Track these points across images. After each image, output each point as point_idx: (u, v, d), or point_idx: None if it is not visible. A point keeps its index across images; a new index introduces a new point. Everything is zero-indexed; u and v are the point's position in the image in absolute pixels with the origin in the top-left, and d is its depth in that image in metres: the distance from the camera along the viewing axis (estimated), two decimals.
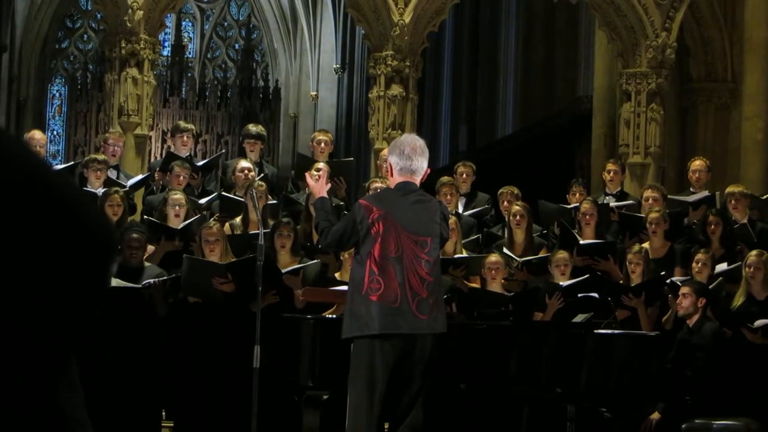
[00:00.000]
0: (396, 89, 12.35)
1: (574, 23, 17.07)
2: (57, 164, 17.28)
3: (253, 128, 10.35)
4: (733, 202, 9.28)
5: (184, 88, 27.73)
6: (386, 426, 6.08)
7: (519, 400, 7.88)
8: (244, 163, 9.56)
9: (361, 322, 5.81)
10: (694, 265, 8.28)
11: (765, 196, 10.00)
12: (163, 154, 17.78)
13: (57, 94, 28.54)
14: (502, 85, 19.69)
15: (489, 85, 20.30)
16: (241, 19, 30.02)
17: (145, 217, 9.03)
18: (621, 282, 8.37)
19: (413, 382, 5.86)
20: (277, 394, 7.54)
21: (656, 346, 7.78)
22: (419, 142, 6.06)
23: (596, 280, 8.46)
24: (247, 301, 7.56)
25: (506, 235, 9.16)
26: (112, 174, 9.65)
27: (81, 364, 1.99)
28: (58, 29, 28.78)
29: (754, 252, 8.16)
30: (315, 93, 27.93)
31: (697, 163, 10.08)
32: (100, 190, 9.00)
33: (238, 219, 8.78)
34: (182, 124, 10.81)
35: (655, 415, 7.52)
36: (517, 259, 8.75)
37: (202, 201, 9.35)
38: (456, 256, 8.46)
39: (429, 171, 6.15)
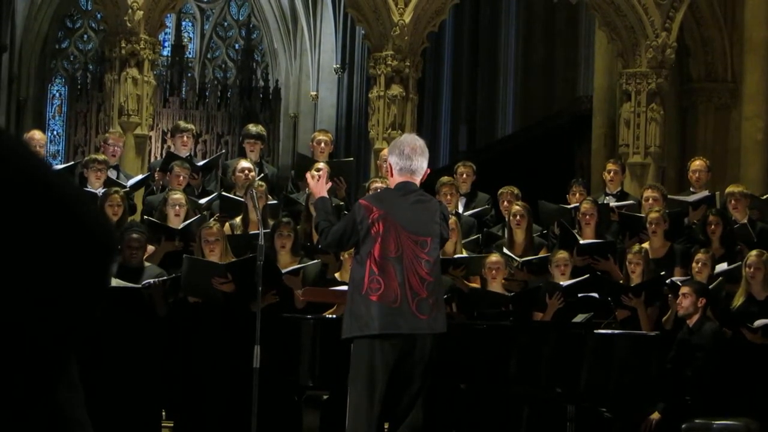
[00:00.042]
0: (396, 89, 12.35)
1: (574, 23, 17.07)
2: (57, 164, 17.28)
3: (253, 128, 10.35)
4: (733, 202, 9.29)
5: (184, 88, 27.73)
6: (386, 426, 6.08)
7: (519, 400, 7.88)
8: (244, 163, 9.56)
9: (361, 322, 5.81)
10: (694, 265, 8.28)
11: (765, 196, 10.00)
12: (163, 154, 17.78)
13: (57, 94, 28.55)
14: (502, 85, 19.69)
15: (489, 85, 20.30)
16: (241, 19, 30.02)
17: (145, 217, 9.03)
18: (621, 282, 8.37)
19: (413, 382, 5.86)
20: (277, 394, 7.54)
21: (656, 346, 7.78)
22: (419, 142, 6.06)
23: (596, 280, 8.46)
24: (247, 301, 7.56)
25: (506, 235, 9.16)
26: (112, 174, 9.65)
27: (81, 364, 1.99)
28: (58, 29, 28.78)
29: (754, 252, 8.16)
30: (315, 93, 27.94)
31: (697, 163, 10.08)
32: (100, 190, 9.00)
33: (238, 219, 8.78)
34: (182, 124, 10.81)
35: (655, 415, 7.52)
36: (517, 259, 8.75)
37: (202, 201, 9.34)
38: (456, 256, 8.46)
39: (429, 171, 6.15)
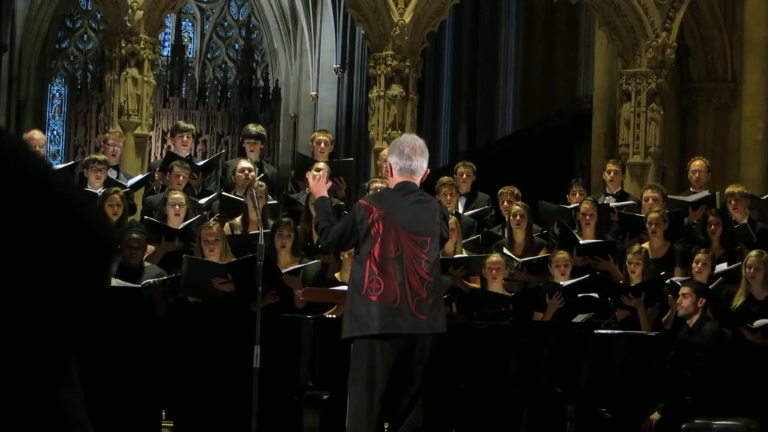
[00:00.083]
0: (396, 89, 12.35)
1: (574, 23, 17.07)
2: (57, 164, 17.28)
3: (253, 128, 10.34)
4: (733, 202, 9.29)
5: (184, 88, 27.73)
6: (386, 426, 6.08)
7: (519, 400, 7.88)
8: (244, 163, 9.56)
9: (361, 322, 5.81)
10: (694, 265, 8.28)
11: (765, 196, 10.00)
12: (163, 154, 17.78)
13: (57, 94, 28.54)
14: (502, 85, 19.69)
15: (489, 85, 20.30)
16: (241, 19, 30.02)
17: (146, 217, 9.02)
18: (621, 282, 8.37)
19: (413, 382, 5.86)
20: (277, 394, 7.54)
21: (656, 346, 7.78)
22: (419, 142, 6.06)
23: (596, 280, 8.46)
24: (247, 301, 7.56)
25: (506, 235, 9.16)
26: (112, 174, 9.65)
27: (81, 364, 1.99)
28: (58, 29, 28.78)
29: (754, 252, 8.16)
30: (315, 93, 27.94)
31: (697, 163, 10.08)
32: (100, 190, 9.00)
33: (238, 219, 8.78)
34: (182, 124, 10.81)
35: (655, 415, 7.52)
36: (517, 259, 8.75)
37: (202, 201, 9.34)
38: (456, 256, 8.46)
39: (429, 171, 6.15)
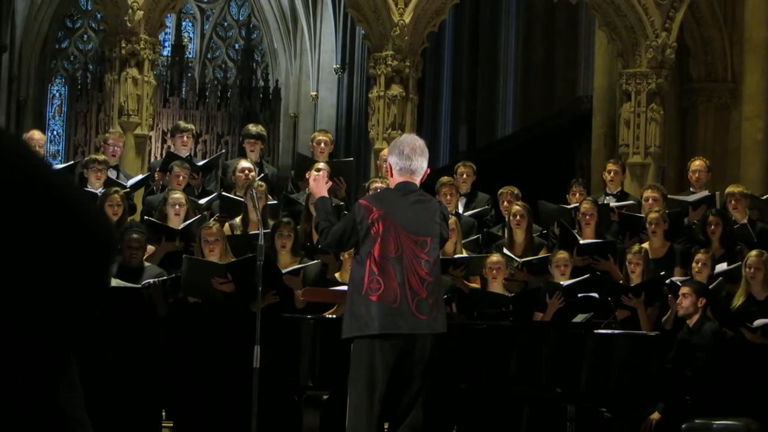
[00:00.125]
0: (396, 89, 12.35)
1: (574, 23, 17.07)
2: (57, 164, 17.28)
3: (253, 128, 10.34)
4: (733, 202, 9.29)
5: (184, 88, 27.74)
6: (386, 426, 6.08)
7: (519, 400, 7.88)
8: (244, 164, 9.56)
9: (361, 322, 5.81)
10: (694, 265, 8.28)
11: (765, 196, 10.00)
12: (163, 154, 17.78)
13: (57, 94, 28.54)
14: (502, 85, 19.69)
15: (489, 85, 20.30)
16: (241, 19, 30.02)
17: (146, 217, 9.02)
18: (621, 282, 8.37)
19: (413, 382, 5.86)
20: (277, 394, 7.54)
21: (656, 346, 7.78)
22: (419, 142, 6.06)
23: (596, 280, 8.46)
24: (247, 301, 7.56)
25: (506, 235, 9.16)
26: (112, 174, 9.64)
27: (81, 364, 1.99)
28: (58, 29, 28.78)
29: (754, 252, 8.16)
30: (315, 93, 27.94)
31: (697, 163, 10.08)
32: (100, 191, 9.00)
33: (238, 219, 8.78)
34: (182, 124, 10.80)
35: (655, 415, 7.52)
36: (518, 259, 8.75)
37: (202, 201, 9.34)
38: (456, 256, 8.46)
39: (429, 171, 6.15)
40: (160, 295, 7.78)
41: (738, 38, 13.17)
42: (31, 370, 1.44)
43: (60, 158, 26.64)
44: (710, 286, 8.03)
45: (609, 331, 7.88)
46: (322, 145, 9.83)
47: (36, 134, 10.21)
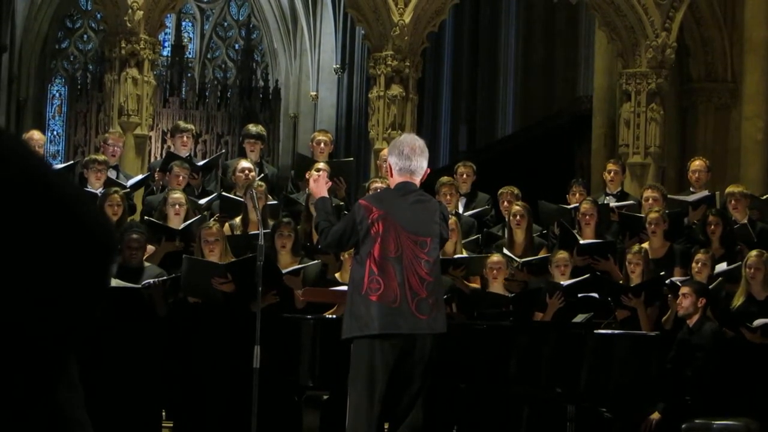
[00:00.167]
0: (396, 89, 12.35)
1: (574, 23, 17.08)
2: (57, 164, 17.28)
3: (253, 128, 10.34)
4: (733, 202, 9.29)
5: (184, 89, 27.74)
6: (386, 426, 6.08)
7: (519, 400, 7.88)
8: (244, 164, 9.55)
9: (361, 322, 5.81)
10: (693, 265, 8.28)
11: (765, 196, 10.00)
12: (163, 155, 17.78)
13: (57, 94, 28.54)
14: (502, 85, 19.69)
15: (489, 85, 20.30)
16: (241, 19, 30.02)
17: (146, 217, 9.02)
18: (621, 282, 8.37)
19: (413, 382, 5.86)
20: (277, 394, 7.54)
21: (656, 346, 7.78)
22: (418, 142, 6.06)
23: (596, 280, 8.46)
24: (247, 301, 7.56)
25: (506, 236, 9.16)
26: (112, 174, 9.64)
27: (81, 364, 1.99)
28: (58, 29, 28.78)
29: (754, 252, 8.16)
30: (315, 93, 27.94)
31: (697, 163, 10.08)
32: (100, 191, 9.00)
33: (237, 219, 8.77)
34: (182, 124, 10.80)
35: (655, 415, 7.52)
36: (518, 259, 8.75)
37: (202, 201, 9.34)
38: (456, 256, 8.45)
39: (429, 171, 6.15)
40: (160, 295, 7.78)
41: (738, 38, 13.17)
42: (31, 370, 1.44)
43: (60, 158, 26.63)
44: (710, 286, 8.03)
45: (609, 331, 7.88)
46: (322, 145, 9.83)
47: (35, 134, 10.20)
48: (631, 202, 9.96)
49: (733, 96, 13.18)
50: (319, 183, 6.36)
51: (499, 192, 9.69)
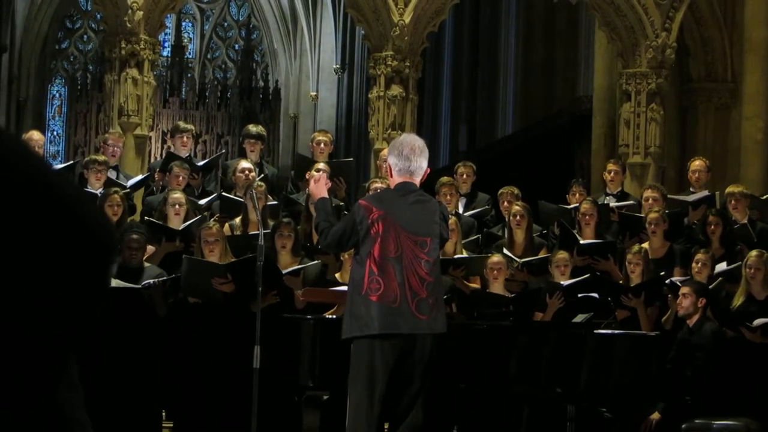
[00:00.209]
0: (396, 89, 12.35)
1: (574, 23, 17.07)
2: (57, 164, 17.28)
3: (253, 128, 10.34)
4: (733, 202, 9.29)
5: (184, 89, 27.73)
6: (386, 426, 6.08)
7: (519, 400, 7.88)
8: (244, 164, 9.55)
9: (360, 322, 5.82)
10: (693, 265, 8.28)
11: (765, 196, 10.00)
12: (163, 155, 17.78)
13: (57, 95, 28.54)
14: (502, 85, 19.69)
15: (489, 85, 20.30)
16: (241, 19, 30.02)
17: (146, 217, 9.02)
18: (621, 282, 8.37)
19: (413, 382, 5.86)
20: (277, 394, 7.54)
21: (656, 346, 7.78)
22: (418, 143, 6.06)
23: (596, 280, 8.46)
24: (247, 302, 7.56)
25: (506, 236, 9.16)
26: (112, 174, 9.64)
27: (81, 364, 1.99)
28: (58, 29, 28.78)
29: (754, 252, 8.16)
30: (315, 93, 27.94)
31: (697, 163, 10.08)
32: (100, 191, 9.00)
33: (237, 219, 8.78)
34: (182, 124, 10.80)
35: (655, 415, 7.52)
36: (518, 259, 8.75)
37: (202, 201, 9.34)
38: (456, 256, 8.45)
39: (429, 171, 6.15)
40: (160, 296, 7.78)
41: (738, 38, 13.17)
42: (31, 370, 1.44)
43: (60, 158, 26.63)
44: (710, 286, 8.03)
45: (609, 331, 7.88)
46: (322, 145, 9.83)
47: (35, 135, 10.20)
48: (631, 202, 9.96)
49: (733, 96, 13.18)
50: (319, 183, 6.37)
51: (499, 192, 9.69)
